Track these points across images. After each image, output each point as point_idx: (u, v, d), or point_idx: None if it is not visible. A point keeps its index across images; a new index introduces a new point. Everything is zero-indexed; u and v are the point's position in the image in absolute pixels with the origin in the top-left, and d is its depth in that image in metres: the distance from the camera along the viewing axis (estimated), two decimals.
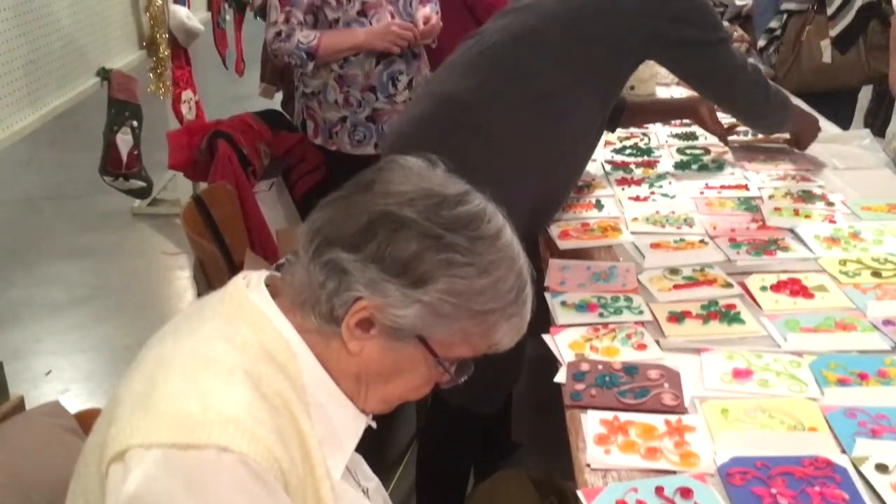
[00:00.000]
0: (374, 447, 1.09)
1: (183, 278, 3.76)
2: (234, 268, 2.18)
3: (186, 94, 4.13)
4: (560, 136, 1.85)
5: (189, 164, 2.61)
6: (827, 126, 2.51)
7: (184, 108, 4.12)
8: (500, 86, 1.81)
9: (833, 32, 2.83)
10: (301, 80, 2.68)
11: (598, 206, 2.03)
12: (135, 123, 3.50)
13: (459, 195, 0.92)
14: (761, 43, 3.08)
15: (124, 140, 3.46)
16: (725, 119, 2.27)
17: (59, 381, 3.01)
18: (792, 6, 2.93)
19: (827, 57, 2.87)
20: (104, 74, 3.36)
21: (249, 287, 0.95)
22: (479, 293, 0.89)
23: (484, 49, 1.86)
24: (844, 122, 2.76)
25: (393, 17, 2.56)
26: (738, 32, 3.51)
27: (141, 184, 3.61)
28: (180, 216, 2.01)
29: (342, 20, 2.54)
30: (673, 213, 1.96)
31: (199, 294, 2.03)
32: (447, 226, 0.88)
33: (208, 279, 1.94)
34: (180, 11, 3.98)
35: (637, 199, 2.06)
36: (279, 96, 3.54)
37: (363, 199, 0.91)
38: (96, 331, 3.32)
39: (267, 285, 0.96)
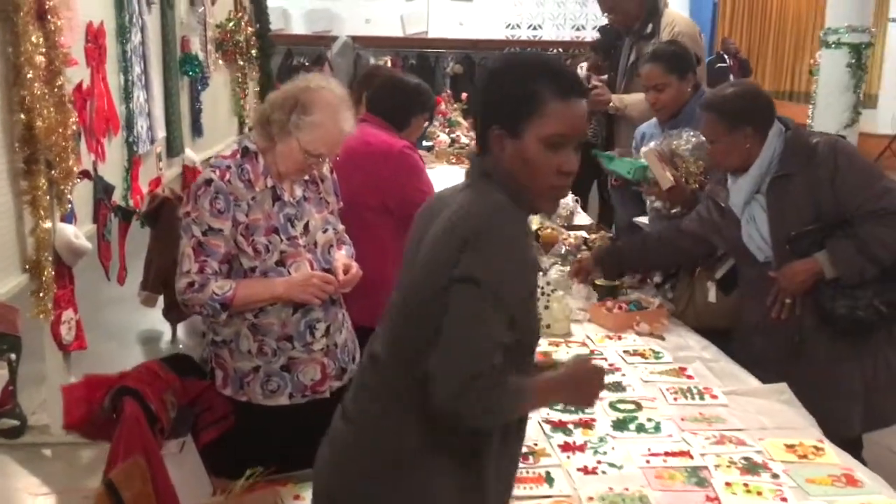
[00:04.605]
0: None
1: None
2: None
3: (67, 315, 3.83)
4: None
5: (87, 423, 2.37)
6: (741, 374, 2.61)
7: (63, 329, 3.81)
8: None
9: (717, 275, 3.02)
10: (211, 327, 2.49)
11: (549, 480, 1.97)
12: (13, 357, 3.20)
13: None
14: (658, 280, 3.24)
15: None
16: None
17: None
18: None
19: (712, 297, 3.05)
20: None
21: None
22: None
23: None
24: None
25: (312, 265, 2.44)
26: None
27: (13, 422, 3.25)
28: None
29: (259, 269, 2.37)
30: (627, 489, 1.91)
31: None
32: None
33: None
34: (67, 230, 3.75)
35: (586, 470, 2.01)
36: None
37: None
38: None
39: None
